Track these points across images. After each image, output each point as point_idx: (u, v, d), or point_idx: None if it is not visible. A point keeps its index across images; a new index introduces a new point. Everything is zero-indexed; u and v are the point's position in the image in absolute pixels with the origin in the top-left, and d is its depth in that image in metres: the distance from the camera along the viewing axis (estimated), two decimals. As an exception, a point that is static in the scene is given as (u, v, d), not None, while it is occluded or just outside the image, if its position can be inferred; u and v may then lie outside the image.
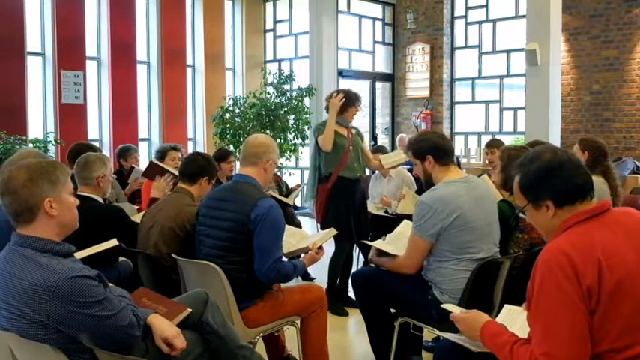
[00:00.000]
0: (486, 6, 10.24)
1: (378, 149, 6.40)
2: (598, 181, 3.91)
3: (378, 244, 3.32)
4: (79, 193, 3.35)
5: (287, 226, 3.60)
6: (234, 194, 3.02)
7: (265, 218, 2.88)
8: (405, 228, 3.43)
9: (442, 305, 2.40)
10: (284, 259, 3.08)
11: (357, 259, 5.53)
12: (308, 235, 3.66)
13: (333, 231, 3.55)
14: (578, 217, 1.84)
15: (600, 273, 1.70)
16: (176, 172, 3.99)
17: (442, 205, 2.95)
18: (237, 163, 6.04)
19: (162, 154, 5.24)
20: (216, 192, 3.18)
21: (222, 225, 2.96)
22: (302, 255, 3.39)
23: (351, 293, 4.81)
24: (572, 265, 1.71)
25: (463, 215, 2.94)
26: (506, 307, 2.27)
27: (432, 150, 3.14)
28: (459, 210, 2.94)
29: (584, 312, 1.70)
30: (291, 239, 3.41)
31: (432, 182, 3.15)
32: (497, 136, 9.05)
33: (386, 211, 5.64)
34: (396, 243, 3.30)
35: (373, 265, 3.38)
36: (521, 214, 2.64)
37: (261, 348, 3.28)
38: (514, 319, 2.15)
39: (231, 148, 8.17)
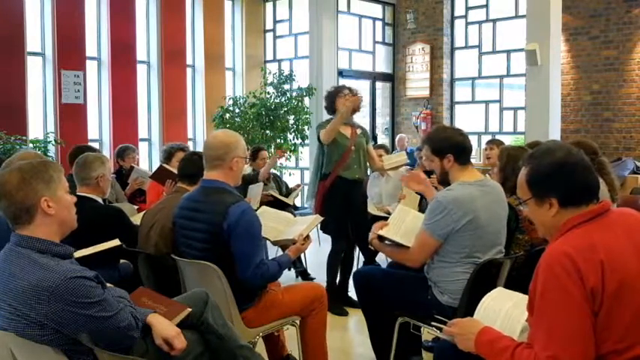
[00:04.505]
0: (486, 6, 10.24)
1: (380, 146, 6.42)
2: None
3: (385, 232, 3.20)
4: (78, 193, 3.35)
5: (273, 210, 3.54)
6: (205, 204, 2.92)
7: (238, 225, 2.80)
8: (401, 213, 3.29)
9: (435, 316, 2.32)
10: (273, 249, 3.00)
11: (357, 259, 5.53)
12: (295, 220, 3.61)
13: (318, 218, 3.51)
14: (580, 218, 1.83)
15: (603, 274, 1.69)
16: None
17: (456, 206, 2.90)
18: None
19: (169, 155, 5.17)
20: (186, 202, 3.07)
21: (198, 236, 2.91)
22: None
23: (351, 293, 4.82)
24: (576, 266, 1.69)
25: (475, 219, 2.91)
26: (490, 294, 2.15)
27: (454, 149, 3.04)
28: (472, 213, 2.90)
29: (589, 313, 1.69)
30: (279, 225, 3.36)
31: (447, 180, 3.08)
32: (497, 136, 9.05)
33: (387, 212, 5.64)
34: (399, 227, 3.19)
35: (372, 247, 3.30)
36: (520, 207, 2.59)
37: (261, 348, 3.28)
38: (495, 314, 2.06)
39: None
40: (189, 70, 10.10)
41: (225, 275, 2.85)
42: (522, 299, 2.08)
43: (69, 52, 8.40)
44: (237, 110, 8.93)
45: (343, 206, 4.76)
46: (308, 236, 3.22)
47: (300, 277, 5.87)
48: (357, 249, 5.35)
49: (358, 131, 4.88)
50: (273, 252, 3.60)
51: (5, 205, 1.99)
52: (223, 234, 2.81)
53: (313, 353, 3.17)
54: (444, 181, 3.11)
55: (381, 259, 5.40)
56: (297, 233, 3.22)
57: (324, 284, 4.77)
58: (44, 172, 2.03)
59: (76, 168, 3.46)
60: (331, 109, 4.86)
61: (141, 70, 9.45)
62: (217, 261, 2.85)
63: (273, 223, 3.10)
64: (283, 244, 3.33)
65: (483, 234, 2.95)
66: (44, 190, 2.01)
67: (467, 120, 10.68)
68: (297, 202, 8.09)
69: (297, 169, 10.67)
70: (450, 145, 3.05)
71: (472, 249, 2.95)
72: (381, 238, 3.21)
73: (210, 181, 2.98)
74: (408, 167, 6.00)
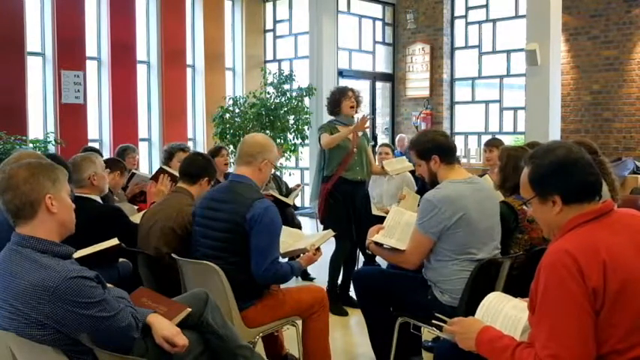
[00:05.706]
0: (486, 6, 10.24)
1: (385, 145, 6.44)
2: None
3: (380, 238, 3.21)
4: (76, 194, 3.35)
5: (285, 227, 3.59)
6: (231, 195, 3.00)
7: (261, 219, 2.87)
8: (396, 216, 3.30)
9: (436, 314, 2.31)
10: (281, 259, 3.07)
11: (357, 260, 5.53)
12: (305, 236, 3.65)
13: (331, 232, 3.53)
14: (583, 217, 1.82)
15: (605, 274, 1.69)
16: None
17: (447, 204, 2.93)
18: (230, 157, 6.02)
19: (170, 155, 5.18)
20: (212, 192, 3.16)
21: (219, 226, 2.95)
22: (300, 255, 3.37)
23: (352, 293, 4.82)
24: (578, 266, 1.69)
25: (467, 216, 2.93)
26: (488, 298, 2.12)
27: (438, 150, 3.10)
28: (463, 210, 2.93)
29: (591, 313, 1.69)
30: (289, 239, 3.39)
31: (436, 182, 3.12)
32: (497, 136, 9.03)
33: (387, 212, 5.62)
34: (395, 230, 3.21)
35: (370, 252, 3.33)
36: (524, 207, 2.57)
37: (259, 347, 3.28)
38: (495, 315, 2.03)
39: (232, 148, 8.16)
40: (189, 70, 10.10)
41: (233, 271, 2.89)
42: (521, 302, 2.07)
43: (69, 52, 8.40)
44: (237, 110, 8.92)
45: (346, 207, 4.76)
46: (319, 248, 3.24)
47: (300, 277, 5.86)
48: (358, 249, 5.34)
49: (359, 133, 4.89)
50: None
51: (10, 198, 2.00)
52: (245, 225, 2.88)
53: (315, 357, 3.17)
54: (433, 183, 3.15)
55: (381, 260, 5.39)
56: (309, 243, 3.24)
57: (325, 284, 4.77)
58: (51, 172, 2.07)
59: (70, 173, 3.47)
60: (334, 110, 4.86)
61: (141, 70, 9.45)
62: (233, 253, 2.91)
63: (283, 237, 3.14)
64: (292, 255, 3.37)
65: (476, 230, 2.97)
66: (50, 187, 2.03)
67: (467, 120, 10.69)
68: (297, 202, 8.09)
69: (297, 169, 10.67)
70: (433, 147, 3.12)
71: (466, 245, 2.96)
72: (377, 242, 3.23)
73: (239, 176, 3.08)
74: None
